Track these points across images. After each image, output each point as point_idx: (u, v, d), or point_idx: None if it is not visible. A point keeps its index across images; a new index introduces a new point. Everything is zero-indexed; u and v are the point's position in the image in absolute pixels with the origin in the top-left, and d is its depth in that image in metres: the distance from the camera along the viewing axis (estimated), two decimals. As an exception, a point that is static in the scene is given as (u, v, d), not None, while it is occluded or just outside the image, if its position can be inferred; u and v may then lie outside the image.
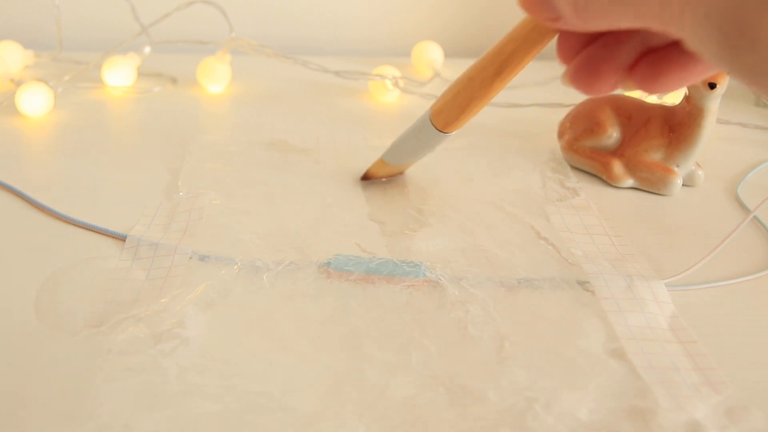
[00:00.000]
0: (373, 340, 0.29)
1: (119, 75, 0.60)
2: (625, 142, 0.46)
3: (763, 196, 0.42)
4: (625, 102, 0.46)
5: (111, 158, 0.47)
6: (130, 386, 0.26)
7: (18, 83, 0.57)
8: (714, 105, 0.42)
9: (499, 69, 0.32)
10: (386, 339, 0.29)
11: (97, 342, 0.28)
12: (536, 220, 0.40)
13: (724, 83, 0.41)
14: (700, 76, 0.26)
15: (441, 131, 0.37)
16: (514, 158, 0.49)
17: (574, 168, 0.48)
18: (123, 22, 0.66)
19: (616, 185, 0.45)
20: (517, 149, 0.51)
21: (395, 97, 0.61)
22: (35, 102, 0.52)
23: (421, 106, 0.60)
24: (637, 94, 0.58)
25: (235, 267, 0.34)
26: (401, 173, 0.44)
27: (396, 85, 0.60)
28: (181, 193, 0.41)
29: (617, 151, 0.46)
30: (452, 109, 0.35)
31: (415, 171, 0.46)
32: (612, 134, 0.46)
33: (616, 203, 0.43)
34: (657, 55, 0.26)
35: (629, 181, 0.45)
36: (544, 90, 0.65)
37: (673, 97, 0.60)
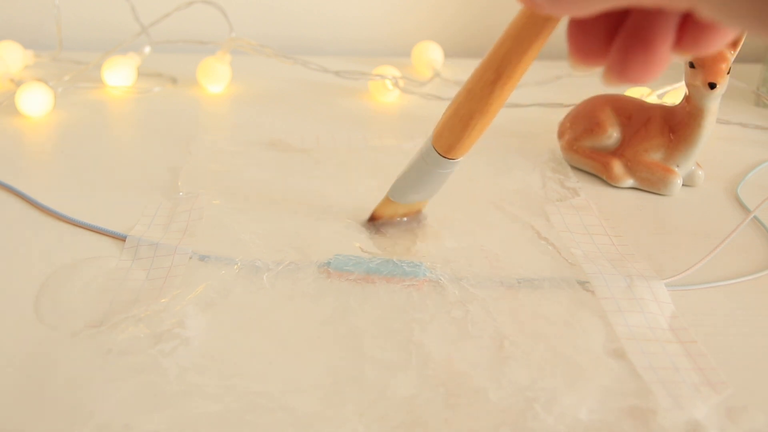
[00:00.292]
0: (373, 340, 0.29)
1: (119, 75, 0.60)
2: (625, 142, 0.46)
3: (763, 196, 0.42)
4: (625, 102, 0.46)
5: (111, 158, 0.47)
6: (130, 386, 0.26)
7: (18, 83, 0.57)
8: (714, 105, 0.42)
9: (497, 74, 0.30)
10: (386, 339, 0.29)
11: (97, 342, 0.28)
12: (536, 220, 0.40)
13: (724, 83, 0.41)
14: None
15: (445, 157, 0.33)
16: (514, 158, 0.49)
17: (574, 168, 0.48)
18: (123, 22, 0.66)
19: (616, 185, 0.45)
20: (517, 149, 0.51)
21: (395, 97, 0.61)
22: (35, 102, 0.52)
23: (421, 106, 0.60)
24: (637, 93, 0.58)
25: (235, 267, 0.34)
26: (417, 212, 0.38)
27: (396, 85, 0.60)
28: (181, 193, 0.41)
29: (617, 151, 0.46)
30: (453, 128, 0.32)
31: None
32: (612, 134, 0.46)
33: (616, 203, 0.43)
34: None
35: (629, 181, 0.45)
36: (544, 90, 0.65)
37: (673, 97, 0.60)
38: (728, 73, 0.41)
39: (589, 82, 0.68)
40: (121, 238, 0.36)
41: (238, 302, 0.32)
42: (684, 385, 0.27)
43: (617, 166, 0.45)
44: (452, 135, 0.32)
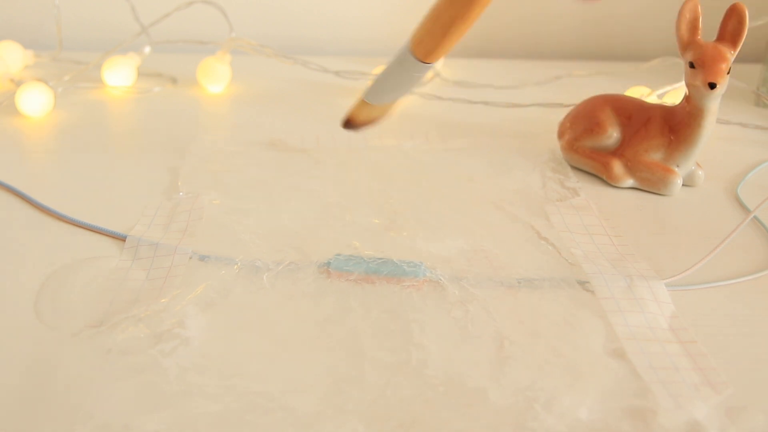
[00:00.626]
0: (373, 340, 0.29)
1: (119, 75, 0.60)
2: (625, 142, 0.46)
3: (763, 196, 0.42)
4: (625, 102, 0.46)
5: (111, 158, 0.47)
6: (130, 386, 0.26)
7: (18, 83, 0.57)
8: (714, 105, 0.42)
9: None
10: (386, 339, 0.29)
11: (97, 342, 0.28)
12: (536, 220, 0.40)
13: (724, 83, 0.41)
14: None
15: (423, 61, 0.34)
16: (514, 158, 0.49)
17: (574, 168, 0.48)
18: (123, 22, 0.66)
19: (616, 185, 0.45)
20: (517, 149, 0.51)
21: (395, 97, 0.61)
22: (35, 102, 0.52)
23: (421, 106, 0.60)
24: (636, 93, 0.58)
25: (235, 267, 0.34)
26: (385, 116, 0.40)
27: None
28: (181, 193, 0.41)
29: (617, 151, 0.46)
30: (434, 36, 0.33)
31: (415, 171, 0.46)
32: (612, 134, 0.46)
33: (616, 203, 0.43)
34: None
35: (629, 181, 0.45)
36: (544, 90, 0.65)
37: (673, 97, 0.60)
38: (728, 73, 0.41)
39: (589, 82, 0.68)
40: (121, 238, 0.36)
41: (238, 302, 0.32)
42: (684, 385, 0.27)
43: (617, 166, 0.45)
44: (432, 41, 0.33)
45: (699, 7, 0.42)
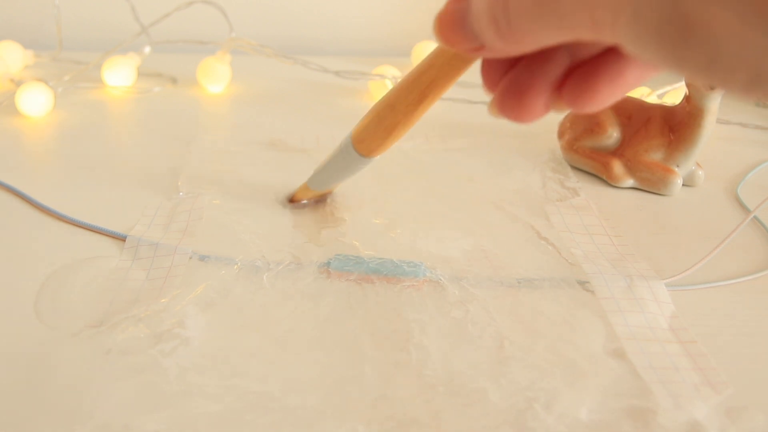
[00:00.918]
0: (373, 340, 0.29)
1: (119, 75, 0.60)
2: (625, 142, 0.46)
3: (763, 196, 0.42)
4: (625, 102, 0.46)
5: (111, 158, 0.47)
6: (130, 386, 0.26)
7: (18, 83, 0.57)
8: (714, 105, 0.42)
9: (422, 96, 0.31)
10: (386, 339, 0.29)
11: (97, 342, 0.28)
12: (536, 220, 0.40)
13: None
14: (633, 85, 0.23)
15: (365, 157, 0.35)
16: (514, 158, 0.49)
17: (574, 168, 0.48)
18: (123, 22, 0.66)
19: (616, 185, 0.45)
20: (517, 149, 0.51)
21: (395, 97, 0.61)
22: (35, 102, 0.52)
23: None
24: (636, 93, 0.58)
25: (235, 267, 0.34)
26: (329, 194, 0.42)
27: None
28: (181, 193, 0.41)
29: (617, 151, 0.46)
30: (375, 137, 0.34)
31: (415, 171, 0.46)
32: (612, 134, 0.46)
33: (616, 203, 0.43)
34: (585, 69, 0.23)
35: (629, 181, 0.45)
36: (544, 90, 0.65)
37: (673, 97, 0.60)
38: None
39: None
40: (121, 238, 0.36)
41: (238, 302, 0.32)
42: (684, 385, 0.27)
43: (617, 166, 0.45)
44: (374, 141, 0.34)
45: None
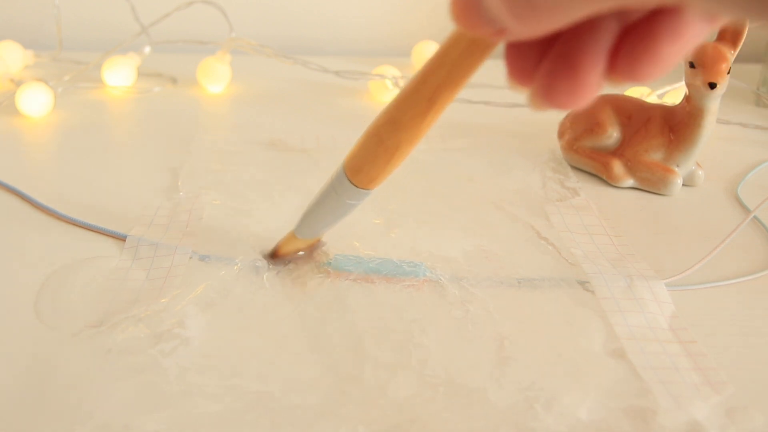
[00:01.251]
0: (373, 340, 0.29)
1: (119, 75, 0.60)
2: (625, 142, 0.46)
3: (763, 196, 0.42)
4: (625, 102, 0.46)
5: (111, 158, 0.47)
6: (130, 386, 0.26)
7: (18, 83, 0.57)
8: (714, 105, 0.42)
9: (430, 103, 0.26)
10: (386, 339, 0.29)
11: (97, 342, 0.28)
12: (536, 220, 0.40)
13: (724, 83, 0.41)
14: (693, 42, 0.20)
15: (363, 189, 0.30)
16: (514, 158, 0.49)
17: (574, 168, 0.48)
18: (123, 22, 0.66)
19: (616, 185, 0.45)
20: (517, 149, 0.51)
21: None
22: (35, 102, 0.52)
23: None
24: (636, 93, 0.58)
25: (235, 267, 0.34)
26: (317, 243, 0.36)
27: (396, 85, 0.60)
28: (181, 193, 0.41)
29: (617, 151, 0.46)
30: (376, 163, 0.29)
31: (415, 171, 0.46)
32: (612, 134, 0.46)
33: (616, 203, 0.43)
34: (639, 32, 0.20)
35: (629, 181, 0.45)
36: (544, 90, 0.65)
37: (673, 97, 0.60)
38: (728, 73, 0.41)
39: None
40: (121, 238, 0.36)
41: (238, 302, 0.32)
42: (684, 385, 0.27)
43: (617, 166, 0.45)
44: (375, 168, 0.29)
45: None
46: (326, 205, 0.32)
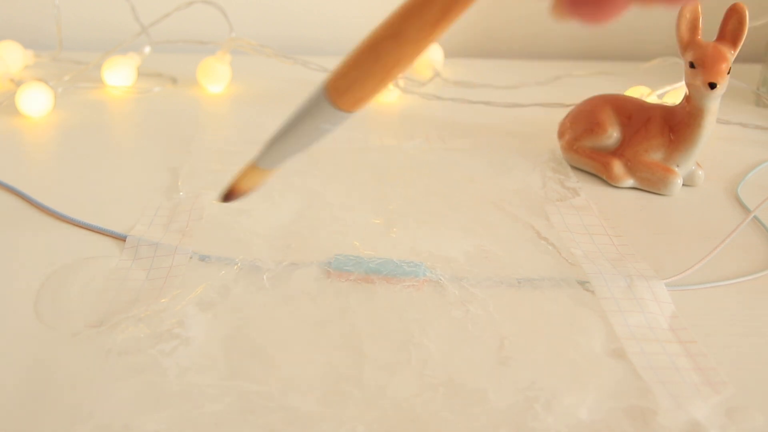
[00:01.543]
0: (373, 340, 0.29)
1: (119, 75, 0.60)
2: (625, 142, 0.46)
3: (763, 196, 0.42)
4: (625, 102, 0.46)
5: (111, 158, 0.47)
6: (130, 386, 0.26)
7: (18, 83, 0.57)
8: (714, 105, 0.42)
9: (444, 12, 0.22)
10: (386, 339, 0.29)
11: (97, 342, 0.28)
12: (536, 220, 0.40)
13: (724, 83, 0.41)
14: None
15: (346, 111, 0.28)
16: (514, 158, 0.49)
17: (574, 168, 0.48)
18: (123, 22, 0.66)
19: (616, 185, 0.45)
20: (517, 149, 0.51)
21: (395, 97, 0.61)
22: (35, 102, 0.52)
23: (422, 105, 0.60)
24: (636, 93, 0.58)
25: (235, 267, 0.34)
26: (267, 181, 0.33)
27: (396, 85, 0.60)
28: (181, 193, 0.41)
29: (617, 151, 0.46)
30: (366, 83, 0.26)
31: (415, 171, 0.46)
32: (612, 134, 0.46)
33: (616, 203, 0.43)
34: None
35: (629, 181, 0.45)
36: (544, 90, 0.65)
37: (673, 97, 0.60)
38: (728, 73, 0.41)
39: (589, 83, 0.68)
40: (121, 238, 0.36)
41: (238, 302, 0.32)
42: (684, 385, 0.27)
43: (617, 166, 0.45)
44: (365, 88, 0.26)
45: (699, 7, 0.42)
46: (298, 131, 0.29)
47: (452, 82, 0.66)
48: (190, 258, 0.35)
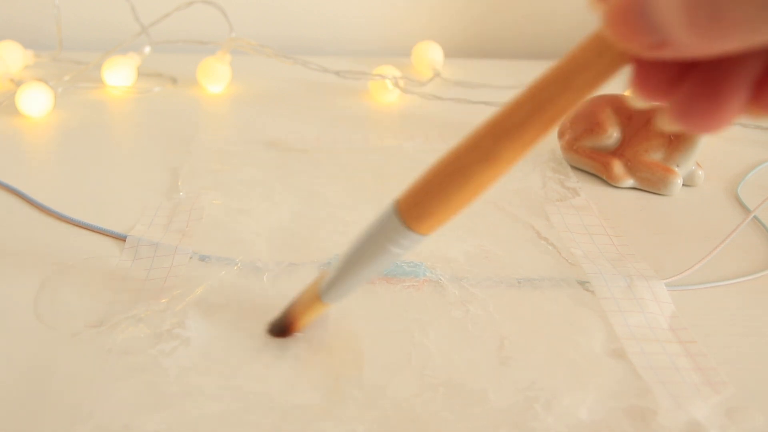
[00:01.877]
0: (373, 340, 0.29)
1: (119, 75, 0.60)
2: (625, 142, 0.46)
3: (763, 196, 0.42)
4: (625, 102, 0.46)
5: (111, 158, 0.47)
6: (130, 386, 0.26)
7: (18, 83, 0.57)
8: (714, 105, 0.42)
9: (544, 127, 0.21)
10: (386, 339, 0.29)
11: (97, 342, 0.28)
12: (536, 220, 0.40)
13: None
14: None
15: (423, 235, 0.25)
16: (514, 158, 0.49)
17: (574, 168, 0.48)
18: (123, 22, 0.66)
19: (616, 185, 0.45)
20: (517, 149, 0.51)
21: (395, 97, 0.61)
22: (35, 102, 0.52)
23: (422, 106, 0.60)
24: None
25: (235, 267, 0.34)
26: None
27: (396, 85, 0.60)
28: (181, 193, 0.41)
29: (617, 151, 0.46)
30: (450, 206, 0.23)
31: (415, 171, 0.46)
32: (612, 134, 0.46)
33: (616, 203, 0.43)
34: None
35: (629, 181, 0.45)
36: (544, 90, 0.65)
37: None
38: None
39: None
40: (121, 238, 0.36)
41: (238, 302, 0.32)
42: (684, 385, 0.27)
43: (617, 166, 0.45)
44: (448, 211, 0.24)
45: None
46: (369, 261, 0.26)
47: (452, 82, 0.66)
48: (190, 258, 0.35)
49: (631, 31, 0.18)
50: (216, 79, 0.61)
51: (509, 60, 0.75)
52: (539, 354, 0.29)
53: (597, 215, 0.41)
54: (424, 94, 0.61)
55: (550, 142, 0.51)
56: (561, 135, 0.49)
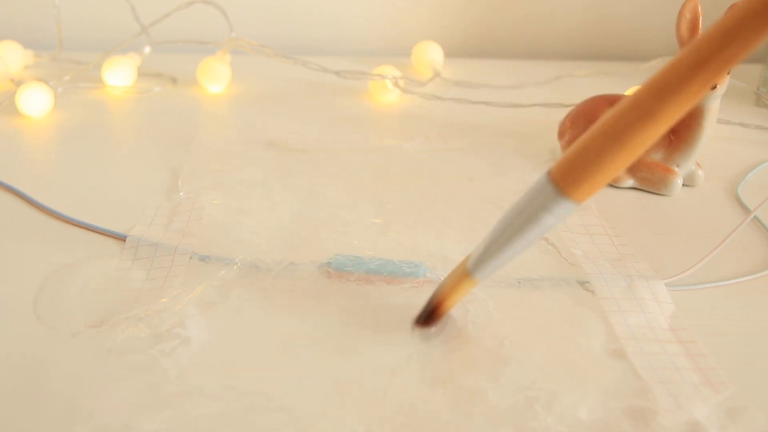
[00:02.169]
0: (373, 341, 0.29)
1: (119, 75, 0.60)
2: (625, 142, 0.46)
3: (763, 196, 0.42)
4: (625, 102, 0.46)
5: (111, 158, 0.47)
6: (130, 386, 0.26)
7: (18, 83, 0.57)
8: (714, 105, 0.42)
9: (707, 80, 0.22)
10: (386, 339, 0.29)
11: (97, 342, 0.28)
12: (536, 220, 0.40)
13: (724, 83, 0.41)
14: None
15: (579, 202, 0.24)
16: (514, 158, 0.49)
17: (574, 168, 0.48)
18: (123, 22, 0.66)
19: (616, 185, 0.45)
20: (517, 149, 0.51)
21: (395, 97, 0.61)
22: (35, 102, 0.52)
23: (422, 106, 0.60)
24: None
25: (235, 267, 0.34)
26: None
27: (396, 85, 0.60)
28: (181, 193, 0.41)
29: (617, 151, 0.46)
30: (609, 168, 0.23)
31: (415, 171, 0.46)
32: (612, 134, 0.46)
33: (616, 203, 0.43)
34: None
35: (629, 181, 0.45)
36: (545, 90, 0.65)
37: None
38: (728, 73, 0.41)
39: (589, 82, 0.68)
40: (121, 238, 0.36)
41: (238, 302, 0.32)
42: (684, 385, 0.27)
43: (617, 166, 0.45)
44: (606, 175, 0.24)
45: (699, 7, 0.42)
46: (522, 231, 0.25)
47: (452, 82, 0.66)
48: (190, 258, 0.35)
49: None
50: (216, 79, 0.61)
51: (509, 60, 0.75)
52: (539, 354, 0.29)
53: (597, 215, 0.41)
54: (424, 94, 0.61)
55: (550, 142, 0.51)
56: (561, 135, 0.49)
